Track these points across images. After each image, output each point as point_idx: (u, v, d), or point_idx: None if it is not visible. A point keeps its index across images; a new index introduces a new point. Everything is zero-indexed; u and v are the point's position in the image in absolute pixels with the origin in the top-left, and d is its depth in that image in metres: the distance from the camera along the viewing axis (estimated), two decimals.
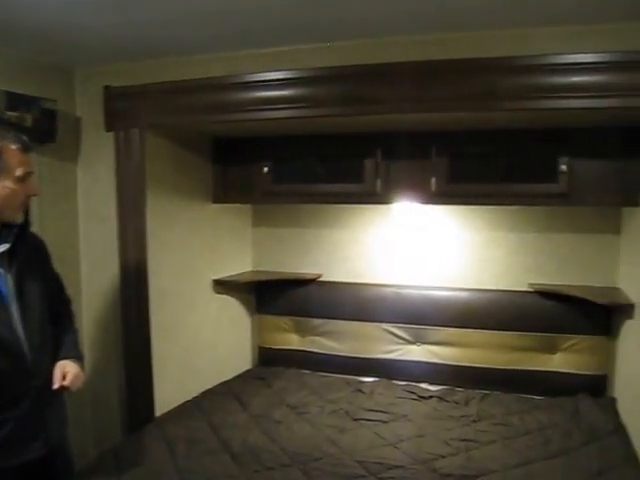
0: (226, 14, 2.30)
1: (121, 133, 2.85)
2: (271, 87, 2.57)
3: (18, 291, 1.91)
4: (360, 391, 3.21)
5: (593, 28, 2.23)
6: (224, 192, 3.43)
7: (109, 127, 2.89)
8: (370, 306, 3.48)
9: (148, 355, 2.94)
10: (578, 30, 2.25)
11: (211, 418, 2.83)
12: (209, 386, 3.28)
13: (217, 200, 3.44)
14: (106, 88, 2.86)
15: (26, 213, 1.97)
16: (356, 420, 2.84)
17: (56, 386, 1.94)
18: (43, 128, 2.79)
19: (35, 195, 1.99)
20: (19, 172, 1.85)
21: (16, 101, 2.67)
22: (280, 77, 2.57)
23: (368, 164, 3.07)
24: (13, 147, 1.83)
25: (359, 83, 2.48)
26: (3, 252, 1.89)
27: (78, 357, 2.11)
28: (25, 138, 1.89)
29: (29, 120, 2.72)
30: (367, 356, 3.48)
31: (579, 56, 2.19)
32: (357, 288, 3.55)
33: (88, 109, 3.04)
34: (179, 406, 3.01)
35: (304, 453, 2.46)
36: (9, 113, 2.64)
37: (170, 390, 3.05)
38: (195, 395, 3.15)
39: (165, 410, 2.95)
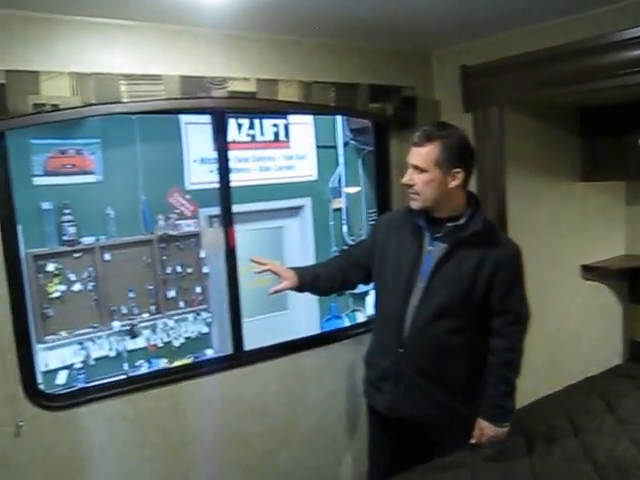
0: None
1: (479, 113, 2.77)
2: None
3: (432, 274, 2.10)
4: None
5: None
6: (593, 168, 3.11)
7: (467, 107, 2.83)
8: None
9: None
10: None
11: (574, 418, 2.59)
12: (572, 381, 3.02)
13: (586, 178, 3.14)
14: (462, 68, 2.79)
15: (475, 207, 2.14)
16: None
17: (472, 442, 2.19)
18: (402, 116, 2.85)
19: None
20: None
21: (378, 93, 2.78)
22: None
23: None
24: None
25: None
26: (444, 238, 2.11)
27: (494, 418, 2.17)
28: (418, 132, 2.06)
29: (390, 109, 2.81)
30: None
31: None
32: None
33: (446, 91, 2.99)
34: (539, 400, 2.84)
35: None
36: (371, 105, 2.76)
37: (533, 381, 2.88)
38: (557, 389, 2.93)
39: (526, 402, 2.79)
